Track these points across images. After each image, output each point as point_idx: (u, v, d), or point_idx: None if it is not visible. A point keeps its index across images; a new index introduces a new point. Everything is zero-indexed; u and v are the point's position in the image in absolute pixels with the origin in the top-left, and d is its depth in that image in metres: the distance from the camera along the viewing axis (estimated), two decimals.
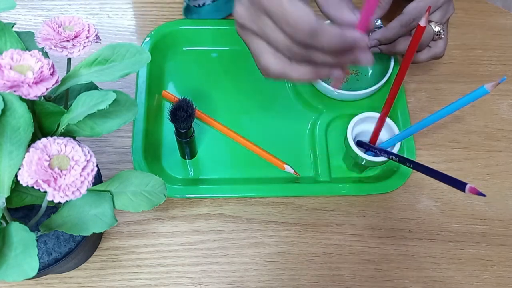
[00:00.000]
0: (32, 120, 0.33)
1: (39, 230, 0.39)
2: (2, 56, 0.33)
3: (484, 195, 0.36)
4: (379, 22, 0.55)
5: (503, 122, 0.63)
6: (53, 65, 0.34)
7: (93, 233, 0.38)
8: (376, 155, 0.53)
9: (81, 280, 0.52)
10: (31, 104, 0.35)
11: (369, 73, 0.65)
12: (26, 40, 0.39)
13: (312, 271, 0.54)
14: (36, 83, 0.33)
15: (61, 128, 0.36)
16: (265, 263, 0.54)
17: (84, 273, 0.52)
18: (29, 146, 0.33)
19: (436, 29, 0.56)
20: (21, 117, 0.33)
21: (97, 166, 0.34)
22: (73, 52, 0.37)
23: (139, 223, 0.55)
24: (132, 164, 0.56)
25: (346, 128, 0.54)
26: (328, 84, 0.61)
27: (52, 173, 0.31)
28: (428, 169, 0.43)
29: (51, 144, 0.33)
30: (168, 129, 0.61)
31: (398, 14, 0.56)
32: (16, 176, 0.33)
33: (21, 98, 0.33)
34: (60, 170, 0.32)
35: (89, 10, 0.68)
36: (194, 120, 0.51)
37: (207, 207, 0.56)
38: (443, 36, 0.57)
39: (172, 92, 0.62)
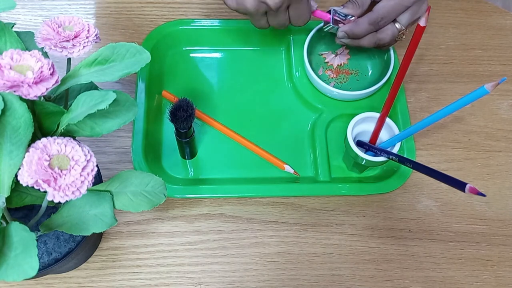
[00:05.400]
0: (32, 120, 0.33)
1: (39, 230, 0.39)
2: (2, 56, 0.33)
3: (484, 195, 0.36)
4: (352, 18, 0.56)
5: (503, 122, 0.63)
6: (53, 65, 0.34)
7: (93, 233, 0.38)
8: (376, 155, 0.53)
9: (81, 280, 0.52)
10: (31, 104, 0.35)
11: (369, 73, 0.65)
12: (26, 40, 0.39)
13: (312, 271, 0.54)
14: (36, 83, 0.33)
15: (61, 128, 0.36)
16: (265, 263, 0.54)
17: (84, 273, 0.53)
18: (29, 146, 0.33)
19: (398, 26, 0.56)
20: (21, 117, 0.33)
21: (97, 166, 0.34)
22: (73, 52, 0.37)
23: (139, 223, 0.55)
24: (132, 164, 0.56)
25: (346, 128, 0.54)
26: (328, 84, 0.61)
27: (52, 173, 0.31)
28: (428, 169, 0.43)
29: (51, 144, 0.33)
30: (168, 129, 0.61)
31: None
32: (16, 176, 0.33)
33: (21, 98, 0.33)
34: (60, 170, 0.32)
35: (89, 10, 0.68)
36: (194, 120, 0.51)
37: (207, 207, 0.56)
38: (404, 38, 0.57)
39: (172, 92, 0.62)
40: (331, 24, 0.56)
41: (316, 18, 0.57)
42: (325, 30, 0.58)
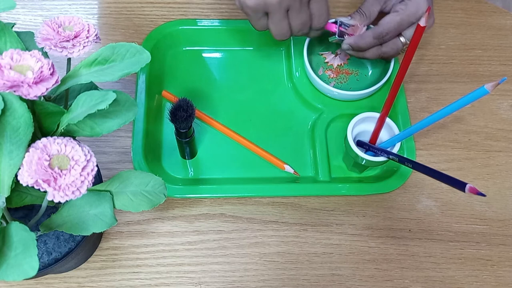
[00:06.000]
0: (32, 120, 0.33)
1: (39, 230, 0.39)
2: (2, 56, 0.33)
3: (484, 195, 0.36)
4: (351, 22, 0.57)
5: (503, 122, 0.63)
6: (53, 65, 0.34)
7: (93, 233, 0.38)
8: (376, 155, 0.53)
9: (81, 280, 0.52)
10: (31, 104, 0.35)
11: (369, 73, 0.65)
12: (26, 40, 0.39)
13: (312, 271, 0.54)
14: (36, 83, 0.33)
15: (61, 128, 0.36)
16: (265, 263, 0.54)
17: (84, 273, 0.53)
18: (29, 146, 0.33)
19: (403, 40, 0.56)
20: (21, 117, 0.33)
21: (97, 166, 0.34)
22: (73, 52, 0.37)
23: (139, 223, 0.55)
24: (132, 164, 0.56)
25: (346, 128, 0.54)
26: (328, 84, 0.61)
27: (52, 173, 0.31)
28: (428, 169, 0.43)
29: (51, 144, 0.33)
30: (168, 129, 0.61)
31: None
32: (16, 176, 0.33)
33: (21, 98, 0.33)
34: (60, 170, 0.32)
35: (89, 10, 0.68)
36: (194, 120, 0.51)
37: (207, 207, 0.56)
38: None
39: (172, 92, 0.62)
40: (336, 36, 0.56)
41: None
42: (330, 41, 0.58)
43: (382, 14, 0.57)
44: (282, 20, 0.51)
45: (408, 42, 0.56)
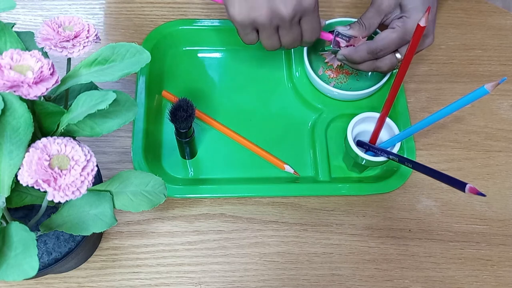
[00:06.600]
0: (32, 120, 0.33)
1: (39, 230, 0.39)
2: (2, 56, 0.33)
3: (484, 195, 0.36)
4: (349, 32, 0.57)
5: (503, 122, 0.63)
6: (53, 65, 0.34)
7: (93, 233, 0.38)
8: (376, 155, 0.53)
9: (81, 280, 0.52)
10: (31, 104, 0.35)
11: (369, 73, 0.65)
12: (26, 40, 0.39)
13: (312, 271, 0.54)
14: (36, 83, 0.33)
15: (61, 128, 0.36)
16: (265, 263, 0.54)
17: (84, 273, 0.53)
18: (29, 146, 0.33)
19: (399, 57, 0.56)
20: (21, 117, 0.33)
21: (97, 166, 0.34)
22: (73, 52, 0.37)
23: (139, 223, 0.55)
24: (132, 164, 0.56)
25: (346, 128, 0.54)
26: (328, 84, 0.61)
27: (52, 173, 0.31)
28: (428, 169, 0.43)
29: (51, 144, 0.33)
30: (168, 129, 0.61)
31: None
32: (16, 176, 0.33)
33: (21, 98, 0.33)
34: (60, 170, 0.32)
35: (89, 10, 0.68)
36: (194, 120, 0.51)
37: (207, 207, 0.56)
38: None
39: (172, 92, 0.62)
40: (331, 46, 0.57)
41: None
42: (326, 50, 0.59)
43: (383, 26, 0.57)
44: (272, 35, 0.51)
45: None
